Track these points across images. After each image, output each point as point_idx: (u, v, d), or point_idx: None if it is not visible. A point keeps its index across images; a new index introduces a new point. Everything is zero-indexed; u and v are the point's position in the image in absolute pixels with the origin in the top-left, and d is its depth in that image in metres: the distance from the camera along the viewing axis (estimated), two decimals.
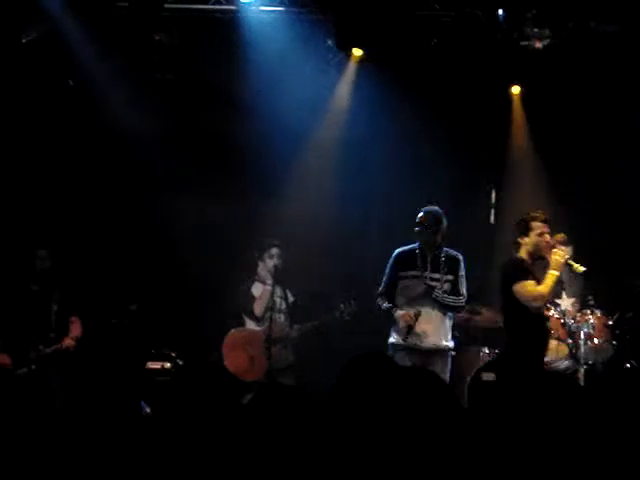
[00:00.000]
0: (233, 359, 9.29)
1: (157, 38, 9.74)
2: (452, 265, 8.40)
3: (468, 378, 8.97)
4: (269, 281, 9.65)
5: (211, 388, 4.17)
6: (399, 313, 8.29)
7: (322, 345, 9.98)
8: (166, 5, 9.50)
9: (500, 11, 9.28)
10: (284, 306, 9.66)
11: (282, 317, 9.64)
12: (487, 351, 9.38)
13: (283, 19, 9.66)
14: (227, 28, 9.68)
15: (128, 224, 10.71)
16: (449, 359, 8.42)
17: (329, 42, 9.96)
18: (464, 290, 8.41)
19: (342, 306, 9.62)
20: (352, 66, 10.42)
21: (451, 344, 8.44)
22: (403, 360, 8.09)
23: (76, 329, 9.29)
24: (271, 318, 9.36)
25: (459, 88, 10.28)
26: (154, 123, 10.22)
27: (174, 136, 10.48)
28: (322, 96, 10.59)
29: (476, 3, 9.35)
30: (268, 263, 9.73)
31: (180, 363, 9.51)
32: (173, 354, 9.60)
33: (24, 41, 9.61)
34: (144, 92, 10.03)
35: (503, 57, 9.80)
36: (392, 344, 8.36)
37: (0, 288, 9.40)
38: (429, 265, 8.39)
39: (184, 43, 9.90)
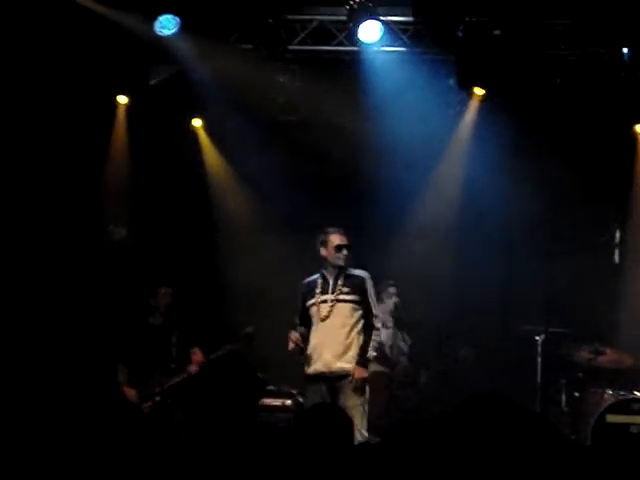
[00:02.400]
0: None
1: (281, 80, 9.88)
2: (357, 285, 8.03)
3: (592, 420, 8.79)
4: (390, 324, 9.64)
5: (335, 429, 4.17)
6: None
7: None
8: (290, 47, 9.66)
9: (625, 50, 9.18)
10: (406, 349, 9.65)
11: (405, 360, 9.63)
12: (611, 392, 9.19)
13: (404, 59, 9.72)
14: (350, 69, 9.77)
15: (243, 263, 10.83)
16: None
17: (450, 81, 9.96)
18: (374, 309, 8.03)
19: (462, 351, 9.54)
20: (474, 105, 10.41)
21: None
22: (315, 392, 7.80)
23: (198, 357, 9.42)
24: (397, 362, 9.35)
25: (583, 127, 10.19)
26: (275, 164, 10.38)
27: (296, 176, 10.60)
28: (444, 135, 10.59)
29: (601, 42, 9.27)
30: (388, 303, 9.74)
31: (301, 400, 9.51)
32: (294, 391, 9.63)
33: (152, 83, 9.84)
34: (268, 133, 10.18)
35: (627, 95, 9.68)
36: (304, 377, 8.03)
37: (124, 324, 9.65)
38: (330, 288, 8.02)
39: (307, 84, 10.00)
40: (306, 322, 8.05)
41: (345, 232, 8.07)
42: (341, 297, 7.93)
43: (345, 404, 7.39)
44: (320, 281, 8.07)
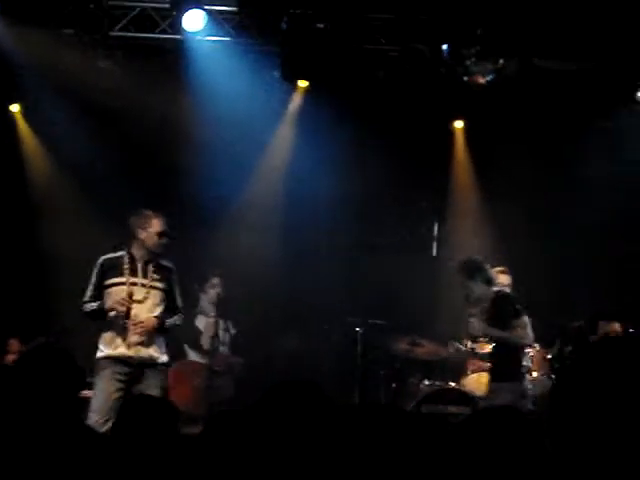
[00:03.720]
0: (178, 392, 9.12)
1: (102, 66, 9.71)
2: (166, 274, 7.98)
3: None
4: (212, 313, 9.62)
5: (153, 420, 4.12)
6: (114, 299, 7.72)
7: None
8: (111, 33, 9.50)
9: (444, 46, 9.38)
10: (227, 338, 9.64)
11: (226, 349, 9.62)
12: (427, 383, 9.39)
13: (229, 49, 9.68)
14: (174, 57, 9.68)
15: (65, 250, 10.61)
16: (165, 375, 7.91)
17: (275, 73, 9.98)
18: (180, 303, 8.03)
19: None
20: (297, 97, 10.47)
21: (166, 359, 7.90)
22: (111, 376, 7.56)
23: (15, 347, 9.19)
24: (215, 350, 9.32)
25: (405, 120, 10.38)
26: (92, 148, 10.21)
27: (119, 164, 10.44)
28: (267, 127, 10.62)
29: (421, 38, 9.45)
30: (210, 293, 9.71)
31: None
32: None
33: None
34: (92, 120, 10.00)
35: (447, 92, 9.91)
36: (98, 359, 7.67)
37: None
38: (140, 272, 7.91)
39: (130, 72, 9.85)
40: (98, 298, 7.79)
41: (168, 221, 7.96)
42: (154, 284, 7.83)
43: (147, 391, 7.29)
44: (127, 261, 7.90)
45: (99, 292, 7.75)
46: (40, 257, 10.56)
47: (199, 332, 9.63)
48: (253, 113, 10.15)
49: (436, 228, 11.09)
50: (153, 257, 7.86)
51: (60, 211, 10.67)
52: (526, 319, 8.15)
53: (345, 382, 9.42)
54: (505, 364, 8.01)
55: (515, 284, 8.72)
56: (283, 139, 10.75)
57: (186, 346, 9.64)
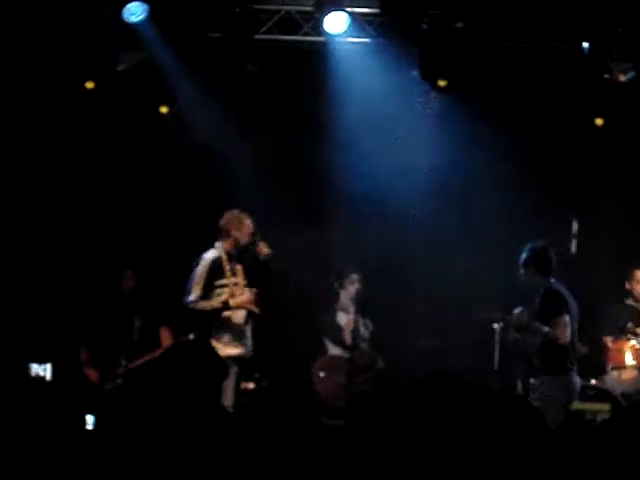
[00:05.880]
0: (322, 385, 9.32)
1: (248, 68, 9.98)
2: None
3: None
4: (352, 309, 9.79)
5: (298, 411, 4.24)
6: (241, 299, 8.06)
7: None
8: (256, 36, 9.77)
9: (585, 44, 9.35)
10: (367, 334, 9.80)
11: (365, 345, 9.77)
12: None
13: (370, 50, 9.84)
14: (316, 59, 9.89)
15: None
16: None
17: (414, 73, 10.09)
18: None
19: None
20: (437, 96, 10.53)
21: None
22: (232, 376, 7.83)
23: (167, 339, 9.51)
24: (356, 346, 9.49)
25: (543, 118, 10.36)
26: (239, 150, 10.46)
27: (258, 163, 10.69)
28: (407, 126, 10.70)
29: (561, 36, 9.45)
30: (349, 290, 9.88)
31: (264, 384, 9.64)
32: (256, 375, 9.75)
33: (119, 70, 9.90)
34: (233, 119, 10.26)
35: (587, 90, 9.86)
36: (231, 357, 7.86)
37: (88, 306, 9.76)
38: (235, 272, 8.21)
39: (273, 73, 10.10)
40: (205, 298, 8.08)
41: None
42: (245, 283, 8.09)
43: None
44: (226, 261, 8.13)
45: (207, 292, 8.01)
46: None
47: (340, 328, 9.82)
48: (393, 112, 10.26)
49: (575, 226, 11.02)
50: (242, 256, 8.04)
51: None
52: (567, 318, 8.10)
53: (482, 379, 9.44)
54: (551, 357, 8.10)
55: None
56: (422, 137, 10.82)
57: (327, 341, 9.82)
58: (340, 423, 4.27)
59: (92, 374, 9.36)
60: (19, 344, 9.53)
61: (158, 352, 9.23)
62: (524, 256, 8.26)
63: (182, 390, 4.09)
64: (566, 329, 8.13)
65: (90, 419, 8.34)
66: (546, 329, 8.05)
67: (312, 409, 4.29)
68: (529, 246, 8.32)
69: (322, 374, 9.38)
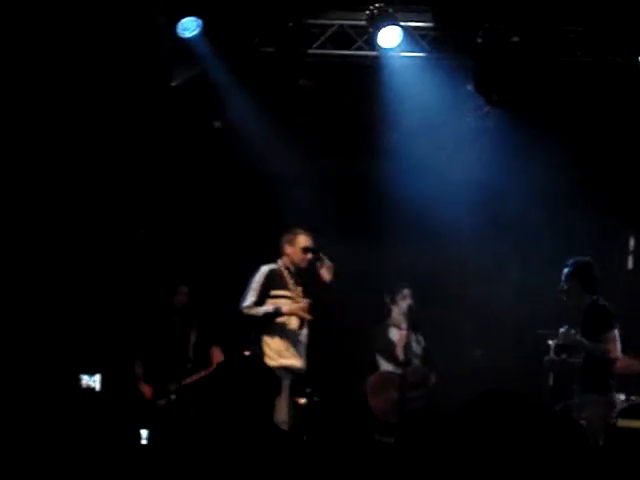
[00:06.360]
0: (375, 401, 9.26)
1: (300, 83, 10.00)
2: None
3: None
4: (404, 325, 9.74)
5: (350, 427, 4.26)
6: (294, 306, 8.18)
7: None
8: (309, 51, 9.78)
9: None
10: (419, 350, 9.74)
11: (417, 361, 9.72)
12: (622, 398, 9.23)
13: (423, 64, 9.81)
14: (369, 73, 9.88)
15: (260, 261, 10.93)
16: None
17: (468, 87, 10.04)
18: None
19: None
20: (490, 110, 10.47)
21: None
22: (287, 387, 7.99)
23: (218, 358, 9.53)
24: (409, 362, 9.44)
25: (598, 133, 10.26)
26: (293, 165, 10.48)
27: (313, 178, 10.70)
28: (460, 139, 10.66)
29: (617, 50, 9.36)
30: (401, 305, 9.84)
31: (316, 400, 9.61)
32: (308, 390, 9.71)
33: (173, 85, 9.97)
34: (286, 135, 10.29)
35: None
36: (284, 368, 8.05)
37: (143, 321, 9.82)
38: (294, 286, 8.38)
39: (326, 88, 10.11)
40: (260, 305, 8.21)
41: (312, 235, 8.25)
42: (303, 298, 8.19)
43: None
44: (287, 274, 8.30)
45: (261, 300, 8.07)
46: None
47: (393, 344, 9.76)
48: (446, 126, 10.24)
49: (632, 242, 10.89)
50: (298, 271, 8.13)
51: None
52: (616, 333, 7.96)
53: (536, 396, 9.35)
54: (595, 375, 7.96)
55: None
56: (475, 151, 10.76)
57: (379, 357, 9.77)
58: (392, 440, 4.26)
59: (146, 389, 9.41)
60: (72, 356, 9.60)
61: (211, 369, 9.25)
62: (567, 271, 8.16)
63: (235, 406, 4.10)
64: (617, 343, 8.02)
65: (144, 434, 8.40)
66: (596, 345, 7.94)
67: (365, 426, 4.28)
68: (572, 261, 8.22)
69: (374, 390, 9.34)
